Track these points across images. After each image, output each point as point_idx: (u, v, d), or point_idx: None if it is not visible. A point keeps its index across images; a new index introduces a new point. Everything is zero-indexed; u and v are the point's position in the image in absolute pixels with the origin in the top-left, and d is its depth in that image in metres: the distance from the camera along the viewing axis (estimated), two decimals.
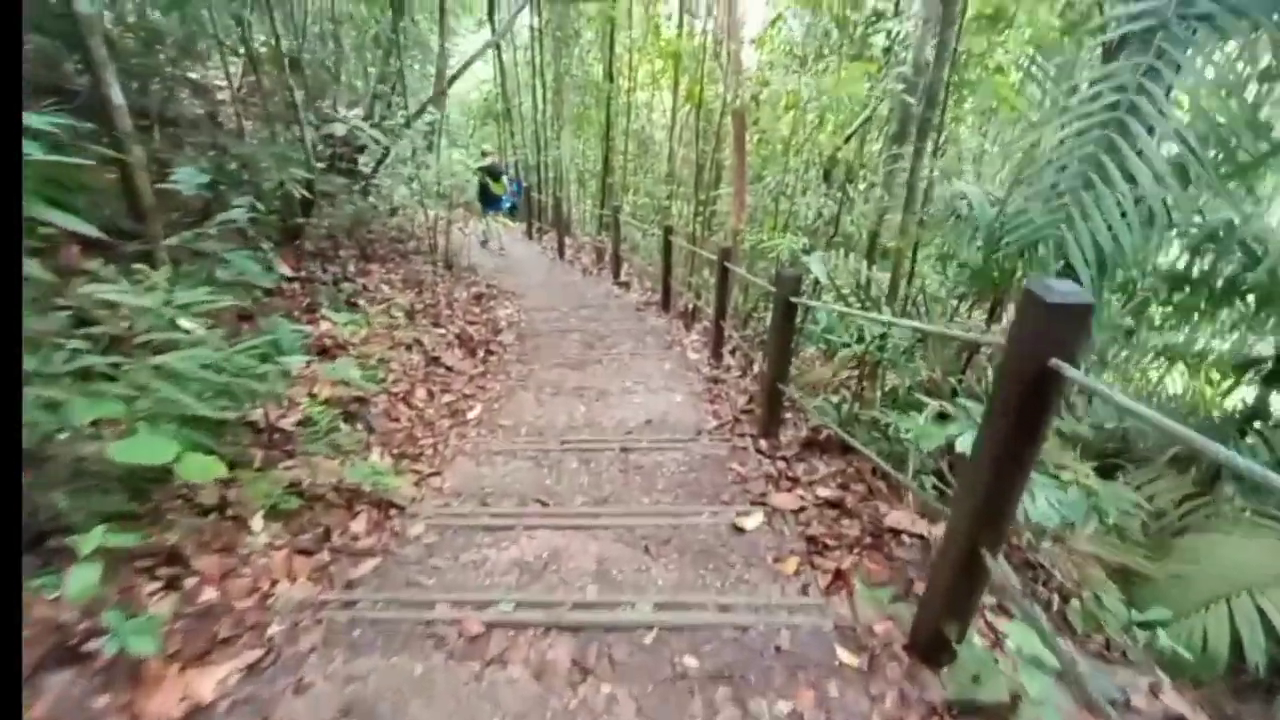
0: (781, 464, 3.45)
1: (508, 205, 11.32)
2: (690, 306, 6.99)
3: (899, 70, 6.51)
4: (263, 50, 4.57)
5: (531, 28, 12.94)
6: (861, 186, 7.06)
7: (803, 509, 3.00)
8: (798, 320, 3.54)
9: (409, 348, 4.52)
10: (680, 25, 10.49)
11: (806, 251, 3.67)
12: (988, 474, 1.50)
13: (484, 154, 10.52)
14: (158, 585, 1.83)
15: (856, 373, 3.88)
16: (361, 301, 5.07)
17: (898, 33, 7.05)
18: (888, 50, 7.13)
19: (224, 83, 5.71)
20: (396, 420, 3.58)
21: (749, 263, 8.59)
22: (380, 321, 4.86)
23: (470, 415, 3.94)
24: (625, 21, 11.99)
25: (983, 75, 6.96)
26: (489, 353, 5.22)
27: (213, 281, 2.59)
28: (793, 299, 3.34)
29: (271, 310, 4.20)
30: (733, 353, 5.46)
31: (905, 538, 2.73)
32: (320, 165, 5.25)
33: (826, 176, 7.81)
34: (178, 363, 1.79)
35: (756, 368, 4.86)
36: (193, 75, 6.76)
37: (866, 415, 3.49)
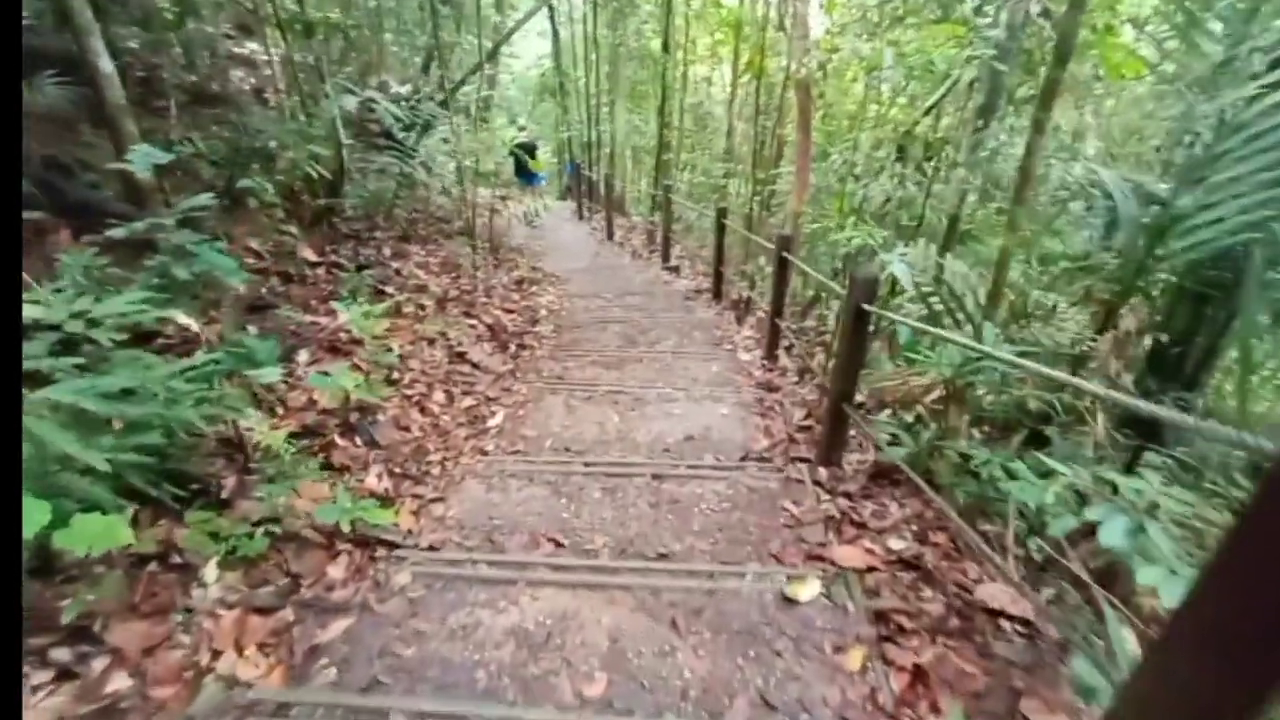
0: (844, 501, 2.86)
1: (542, 181, 11.10)
2: (744, 296, 6.35)
3: (992, 33, 5.59)
4: (284, 16, 4.19)
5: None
6: (942, 167, 6.19)
7: (871, 569, 2.42)
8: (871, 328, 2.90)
9: (432, 342, 4.12)
10: None
11: (884, 245, 3.02)
12: None
13: (520, 129, 10.15)
14: (48, 675, 1.45)
15: (941, 392, 3.22)
16: (390, 288, 4.69)
17: None
18: (978, 9, 6.17)
19: (265, 56, 5.40)
20: (406, 430, 3.17)
21: (809, 247, 7.86)
22: (408, 311, 4.48)
23: (491, 423, 3.50)
24: None
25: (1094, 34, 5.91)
26: (521, 347, 4.77)
27: (170, 281, 2.20)
28: (867, 306, 2.71)
29: (291, 299, 3.87)
30: (789, 350, 4.83)
31: (1005, 622, 2.13)
32: (349, 141, 4.87)
33: (900, 155, 6.96)
34: (64, 395, 1.39)
35: (816, 369, 4.24)
36: (240, 49, 6.53)
37: (952, 446, 2.85)
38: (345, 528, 2.11)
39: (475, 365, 4.16)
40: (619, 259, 8.97)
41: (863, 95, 8.23)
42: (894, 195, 5.91)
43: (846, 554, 2.49)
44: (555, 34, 13.86)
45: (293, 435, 2.63)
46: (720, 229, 6.39)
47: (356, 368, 3.43)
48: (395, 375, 3.55)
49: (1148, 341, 3.12)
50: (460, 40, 8.25)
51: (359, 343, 3.53)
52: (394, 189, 6.07)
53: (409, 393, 3.46)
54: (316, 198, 4.93)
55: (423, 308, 4.63)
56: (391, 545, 2.33)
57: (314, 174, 4.05)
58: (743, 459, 3.24)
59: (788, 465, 3.15)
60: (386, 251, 5.65)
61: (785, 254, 4.45)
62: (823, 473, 3.08)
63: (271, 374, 2.25)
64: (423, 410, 3.40)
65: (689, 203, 10.59)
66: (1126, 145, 5.60)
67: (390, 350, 3.82)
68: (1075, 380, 1.62)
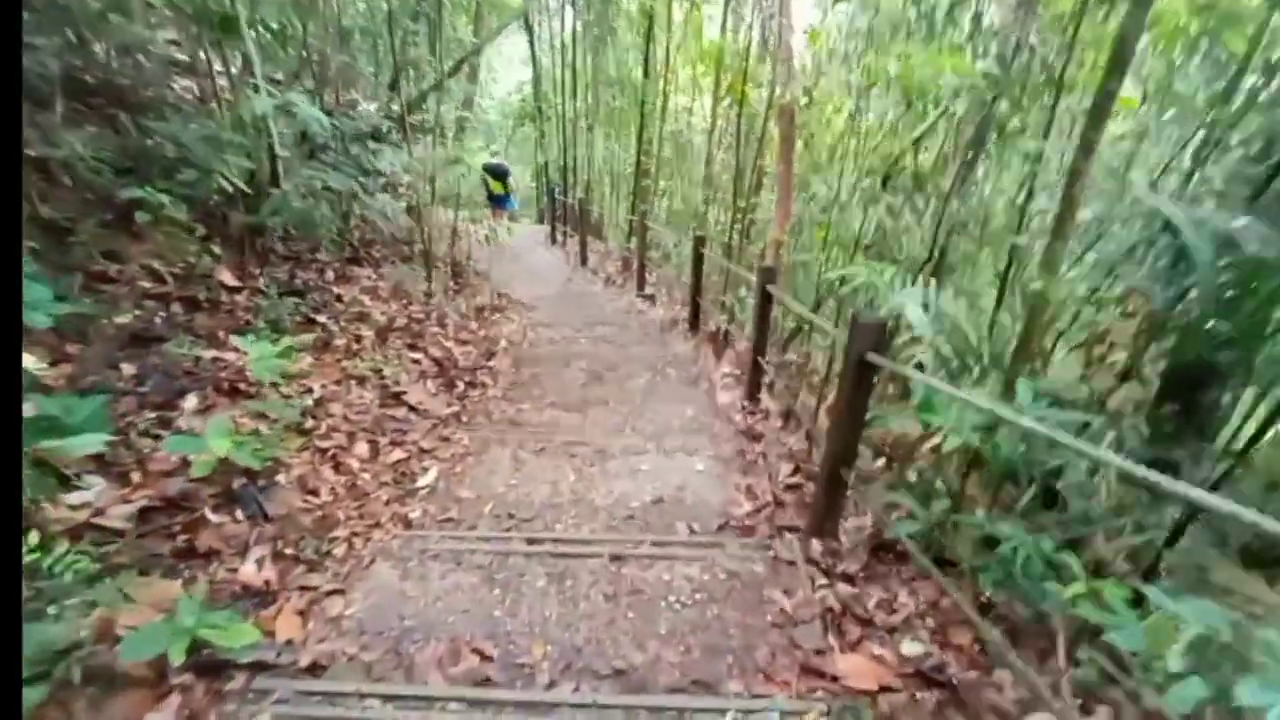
0: (844, 587, 2.33)
1: (513, 206, 10.80)
2: (722, 329, 5.87)
3: (980, 64, 5.29)
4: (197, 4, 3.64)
5: (569, 26, 12.04)
6: (931, 198, 5.84)
7: (885, 688, 1.88)
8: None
9: (362, 381, 3.53)
10: (725, 22, 9.41)
11: (886, 282, 2.56)
12: None
13: (493, 153, 9.81)
14: None
15: (932, 445, 2.73)
16: (323, 317, 4.10)
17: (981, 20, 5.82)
18: (971, 37, 5.89)
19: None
20: (313, 494, 2.57)
21: (790, 277, 7.45)
22: (340, 343, 3.89)
23: (422, 482, 2.91)
24: (665, 23, 10.98)
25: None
26: (471, 385, 4.20)
27: None
28: (872, 357, 2.22)
29: (194, 330, 3.26)
30: (772, 389, 4.33)
31: None
32: (285, 153, 4.31)
33: (885, 184, 6.63)
34: None
35: (801, 412, 3.73)
36: (185, 55, 5.95)
37: (971, 521, 2.34)
38: (176, 658, 1.50)
39: (413, 408, 3.57)
40: (591, 286, 8.47)
41: (845, 126, 7.97)
42: (881, 226, 5.53)
43: (853, 667, 1.96)
44: (535, 60, 13.60)
45: (146, 511, 2.03)
46: (698, 257, 5.93)
47: (261, 416, 2.84)
48: (310, 423, 2.96)
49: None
50: (433, 60, 7.81)
51: (257, 387, 2.93)
52: (343, 207, 5.51)
53: (324, 445, 2.86)
54: (251, 214, 4.35)
55: (359, 339, 4.04)
56: (257, 667, 1.73)
57: (228, 187, 3.47)
58: (721, 528, 2.70)
59: (775, 537, 2.61)
60: (329, 275, 5.05)
61: (769, 287, 3.97)
62: (816, 546, 2.55)
63: (87, 444, 1.66)
64: (338, 467, 2.79)
65: (667, 229, 10.19)
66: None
67: (309, 392, 3.23)
68: (1125, 465, 1.15)
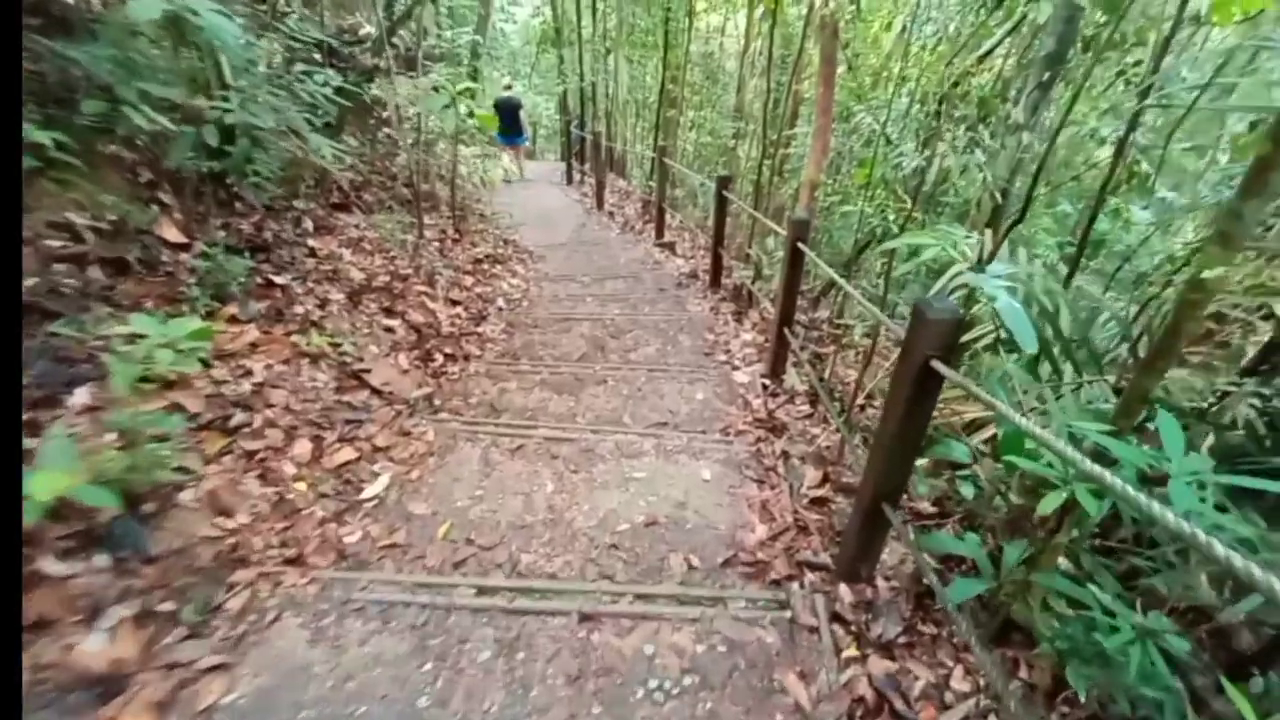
0: (882, 662, 1.76)
1: (525, 141, 10.07)
2: (746, 286, 5.15)
3: None
4: None
5: None
6: (999, 130, 4.88)
7: None
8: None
9: (316, 360, 2.99)
10: None
11: (950, 249, 1.84)
12: None
13: (506, 87, 8.95)
14: None
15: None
16: (286, 279, 3.54)
17: None
18: None
19: None
20: (226, 516, 2.08)
21: (824, 223, 6.61)
22: (300, 311, 3.34)
23: (369, 493, 2.40)
24: None
25: None
26: (451, 358, 3.64)
27: None
28: (939, 365, 1.55)
29: (113, 300, 2.74)
30: (799, 366, 3.67)
31: None
32: (241, 85, 3.64)
33: (940, 113, 5.64)
34: None
35: (828, 392, 3.09)
36: None
37: (1060, 588, 1.72)
38: None
39: (376, 390, 3.04)
40: (606, 232, 7.71)
41: (895, 44, 6.87)
42: (937, 165, 4.64)
43: None
44: None
45: None
46: (721, 202, 5.15)
47: (179, 409, 2.34)
48: (239, 417, 2.44)
49: None
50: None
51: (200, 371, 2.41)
52: (321, 147, 4.85)
53: (252, 446, 2.36)
54: (216, 158, 3.74)
55: (324, 305, 3.49)
56: None
57: (142, 122, 2.84)
58: (727, 564, 2.14)
59: (794, 580, 2.04)
60: (307, 225, 4.45)
61: (800, 243, 3.25)
62: (845, 596, 1.98)
63: None
64: (266, 476, 2.29)
65: (691, 169, 9.25)
66: None
67: (247, 375, 2.71)
68: None
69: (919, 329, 1.60)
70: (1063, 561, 1.90)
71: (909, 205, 3.63)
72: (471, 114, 4.66)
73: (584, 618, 1.82)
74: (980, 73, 5.60)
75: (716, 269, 5.37)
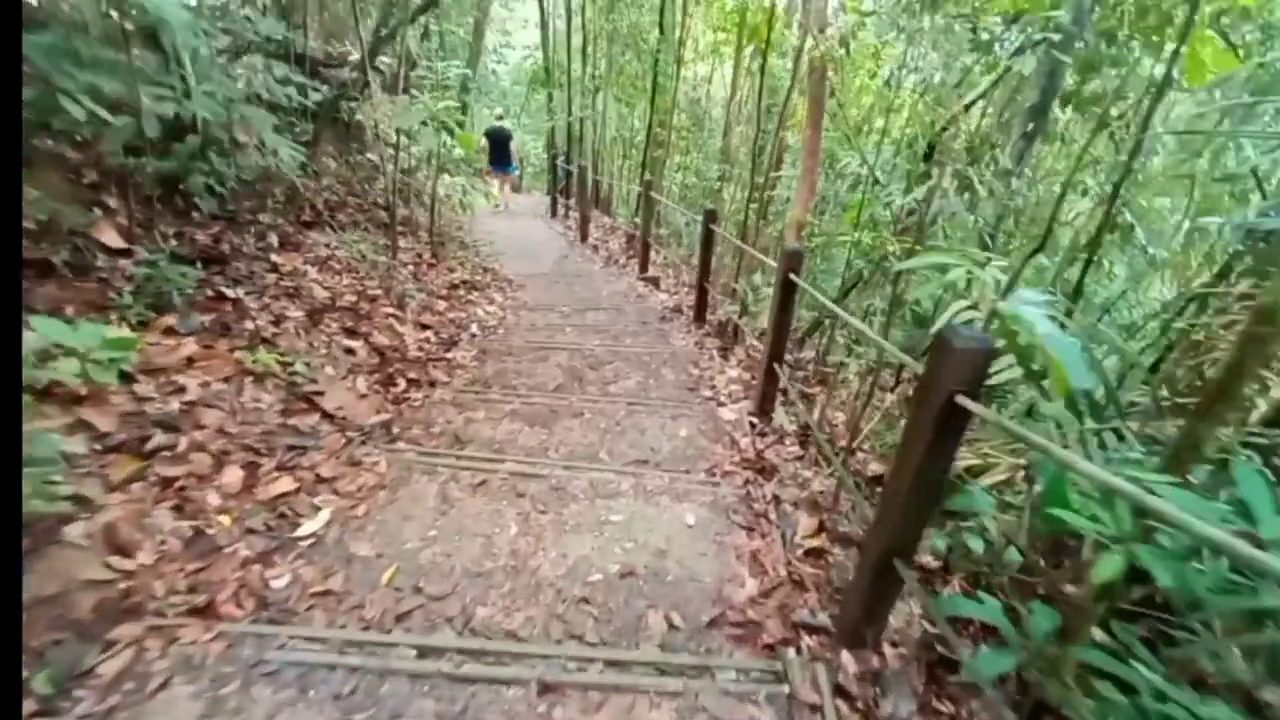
0: None
1: (515, 170, 10.09)
2: (732, 322, 4.98)
3: (1057, 14, 4.30)
4: None
5: None
6: (986, 174, 4.87)
7: None
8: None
9: (262, 379, 2.69)
10: None
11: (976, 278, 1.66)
12: None
13: (498, 117, 8.98)
14: None
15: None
16: (239, 292, 3.26)
17: None
18: None
19: None
20: (123, 555, 1.74)
21: (810, 262, 6.54)
22: (250, 326, 3.05)
23: (305, 529, 2.08)
24: None
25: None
26: (415, 384, 3.35)
27: None
28: (964, 400, 1.34)
29: (32, 307, 2.43)
30: (787, 402, 3.46)
31: None
32: (209, 91, 3.42)
33: (928, 157, 5.65)
34: None
35: (818, 430, 2.86)
36: None
37: (1100, 662, 1.47)
38: None
39: (328, 415, 2.73)
40: (589, 264, 7.55)
41: (880, 91, 6.99)
42: (936, 202, 4.58)
43: None
44: (544, 22, 12.53)
45: None
46: (708, 236, 5.01)
47: (86, 428, 2.02)
48: (159, 439, 2.13)
49: None
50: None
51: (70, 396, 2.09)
52: (298, 161, 4.64)
53: (170, 472, 2.03)
54: (165, 158, 3.49)
55: (279, 321, 3.20)
56: None
57: (79, 114, 2.58)
58: (713, 624, 1.86)
59: (789, 648, 1.76)
60: (272, 240, 4.19)
61: (793, 275, 3.08)
62: (849, 665, 1.71)
63: None
64: (183, 507, 1.97)
65: (678, 207, 9.22)
66: None
67: (178, 392, 2.40)
68: None
69: (944, 361, 1.39)
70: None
71: (911, 240, 3.50)
72: (451, 133, 4.50)
73: (545, 688, 1.52)
74: (968, 119, 5.65)
75: (701, 304, 5.20)
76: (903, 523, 1.59)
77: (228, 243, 3.76)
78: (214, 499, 2.06)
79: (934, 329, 2.70)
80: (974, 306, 1.80)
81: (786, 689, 1.58)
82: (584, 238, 8.78)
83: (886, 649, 1.79)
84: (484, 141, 9.79)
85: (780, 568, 2.14)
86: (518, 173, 12.62)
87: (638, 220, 8.50)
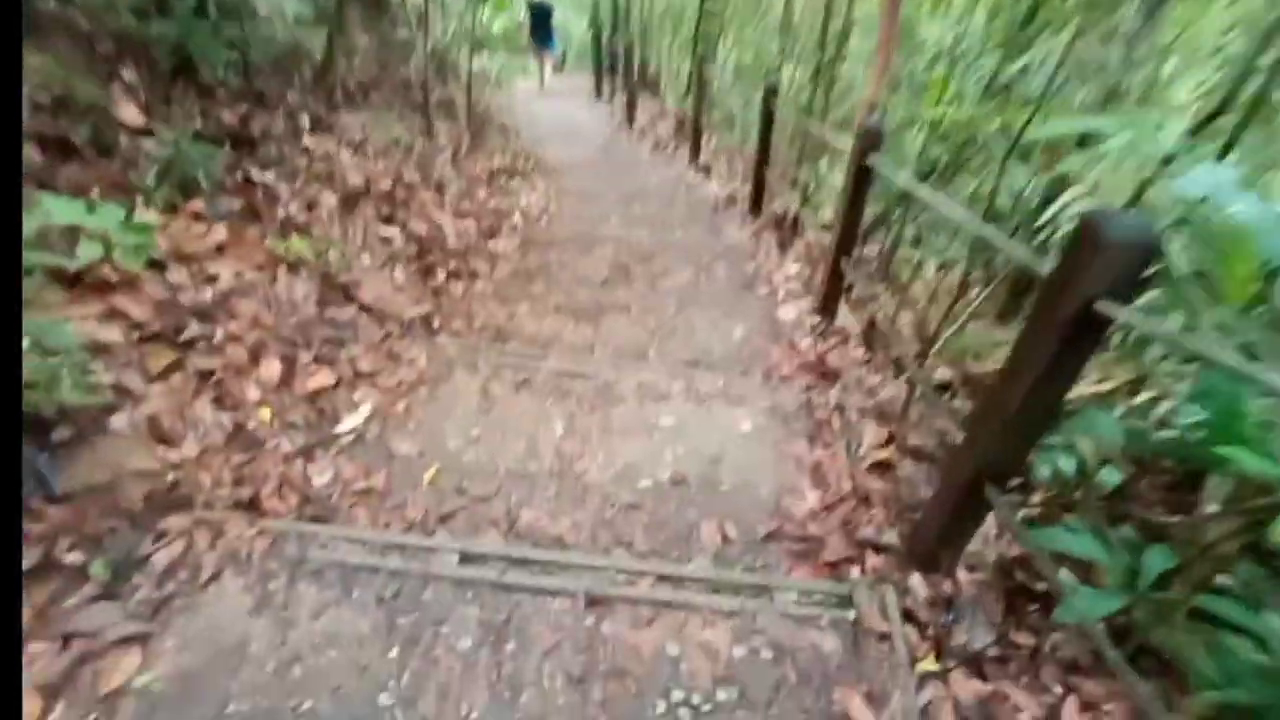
0: (970, 682, 1.37)
1: (556, 47, 9.34)
2: (790, 212, 4.55)
3: None
4: None
5: None
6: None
7: None
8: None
9: (295, 268, 2.56)
10: None
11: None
12: None
13: None
14: None
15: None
16: (269, 177, 3.07)
17: None
18: None
19: None
20: (168, 444, 1.70)
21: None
22: (281, 214, 2.89)
23: (345, 425, 2.01)
24: None
25: None
26: (455, 275, 3.18)
27: None
28: (1105, 306, 1.06)
29: (53, 185, 2.30)
30: (856, 303, 3.17)
31: None
32: None
33: (1028, 21, 4.80)
34: None
35: (892, 333, 2.61)
36: None
37: (1209, 599, 1.28)
38: None
39: (365, 307, 2.61)
40: (636, 151, 7.02)
41: None
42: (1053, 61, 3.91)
43: None
44: None
45: None
46: (767, 116, 4.48)
47: (122, 317, 1.94)
48: (195, 329, 2.04)
49: None
50: None
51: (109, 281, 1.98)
52: (327, 34, 4.27)
53: (207, 364, 1.96)
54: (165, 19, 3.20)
55: (311, 208, 3.03)
56: None
57: None
58: (770, 537, 1.73)
59: (853, 567, 1.63)
60: (303, 121, 3.93)
61: (869, 160, 2.67)
62: (919, 589, 1.58)
63: None
64: (222, 400, 1.91)
65: (732, 91, 8.36)
66: None
67: (211, 281, 2.30)
68: None
69: (1088, 257, 1.09)
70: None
71: (1029, 109, 2.98)
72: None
73: (592, 601, 1.43)
74: None
75: (759, 193, 4.76)
76: (1002, 444, 1.37)
77: (257, 124, 3.52)
78: (253, 392, 1.99)
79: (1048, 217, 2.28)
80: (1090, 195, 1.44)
81: (852, 614, 1.46)
82: (630, 122, 8.13)
83: (961, 574, 1.64)
84: (523, 16, 9.02)
85: (844, 480, 1.98)
86: (560, 51, 11.68)
87: (688, 103, 7.77)
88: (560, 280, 3.30)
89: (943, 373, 2.79)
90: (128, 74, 3.09)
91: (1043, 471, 1.70)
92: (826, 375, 2.60)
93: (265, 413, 1.95)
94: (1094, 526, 1.54)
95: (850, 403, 2.38)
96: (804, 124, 4.58)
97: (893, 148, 6.56)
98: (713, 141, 7.02)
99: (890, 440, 2.19)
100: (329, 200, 3.22)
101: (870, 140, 2.65)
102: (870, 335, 2.98)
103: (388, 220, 3.33)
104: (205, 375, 1.96)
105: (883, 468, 2.08)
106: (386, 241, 3.14)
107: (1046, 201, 2.89)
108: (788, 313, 3.05)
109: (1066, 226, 2.88)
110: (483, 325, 2.76)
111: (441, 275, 3.10)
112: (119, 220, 1.83)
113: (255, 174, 3.09)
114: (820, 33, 6.57)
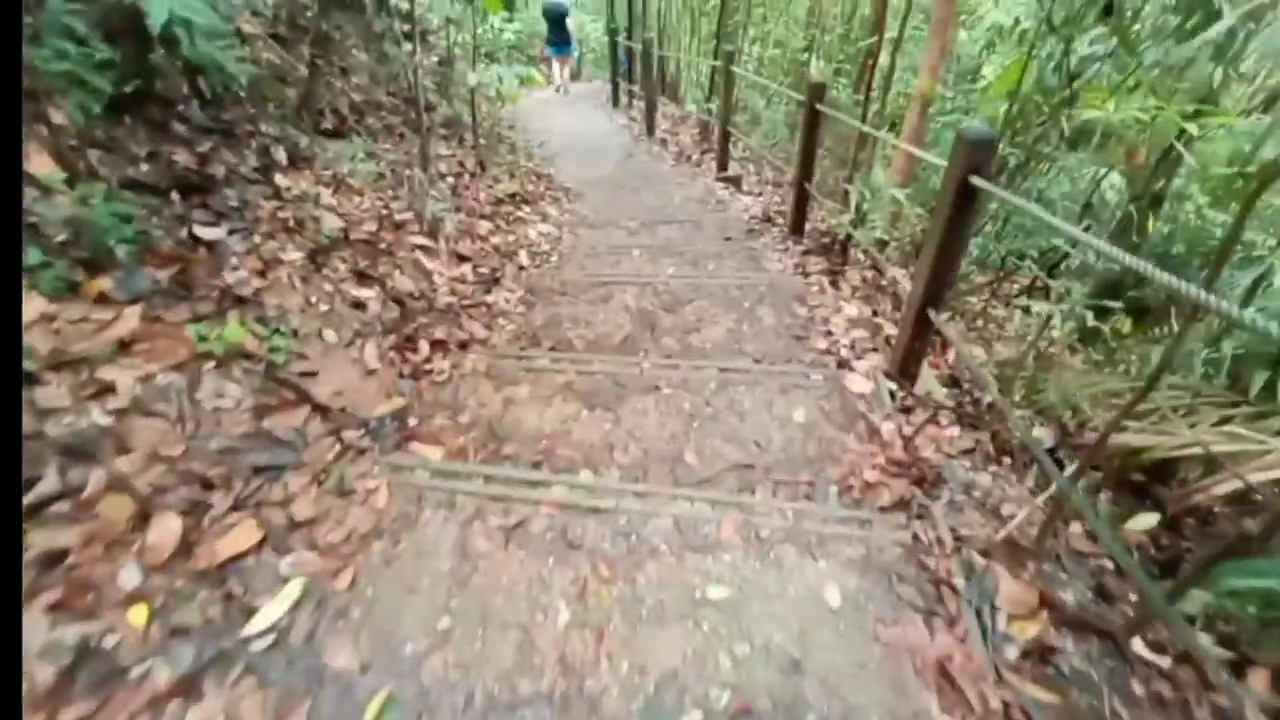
0: None
1: (573, 50, 8.83)
2: (838, 236, 3.79)
3: None
4: None
5: None
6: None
7: None
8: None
9: (225, 362, 1.92)
10: None
11: None
12: None
13: None
14: None
15: None
16: (220, 232, 2.46)
17: None
18: None
19: None
20: None
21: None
22: (216, 285, 2.26)
23: (255, 626, 1.35)
24: None
25: None
26: (440, 345, 2.51)
27: None
28: None
29: None
30: (953, 364, 2.41)
31: None
32: None
33: (1108, 10, 3.90)
34: None
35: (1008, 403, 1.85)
36: None
37: None
38: None
39: (320, 406, 1.96)
40: (657, 164, 6.29)
41: None
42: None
43: None
44: None
45: None
46: (811, 118, 3.72)
47: None
48: (52, 486, 1.41)
49: None
50: None
51: None
52: (309, 54, 3.66)
53: (60, 542, 1.33)
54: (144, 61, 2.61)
55: (266, 269, 2.40)
56: None
57: None
58: None
59: None
60: (279, 155, 3.32)
61: (974, 178, 1.90)
62: None
63: None
64: (71, 602, 1.27)
65: (754, 89, 7.56)
66: None
67: (105, 395, 1.67)
68: None
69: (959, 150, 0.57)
70: None
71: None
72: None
73: None
74: None
75: (801, 210, 4.00)
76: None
77: (221, 163, 2.92)
78: (129, 578, 1.36)
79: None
80: None
81: None
82: (650, 130, 7.39)
83: None
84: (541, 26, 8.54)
85: (988, 692, 1.26)
86: (577, 54, 11.09)
87: (711, 108, 7.00)
88: (572, 343, 2.62)
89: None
90: (57, 115, 2.50)
91: None
92: (924, 480, 1.86)
93: (138, 615, 1.31)
94: None
95: (966, 528, 1.65)
96: (848, 128, 3.81)
97: (935, 145, 5.66)
98: (739, 146, 6.25)
99: (1043, 604, 1.46)
100: (293, 256, 2.60)
101: (975, 155, 1.89)
102: (959, 406, 2.24)
103: (363, 277, 2.69)
104: (52, 561, 1.33)
105: (1041, 658, 1.35)
106: (359, 307, 2.50)
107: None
108: (859, 383, 2.31)
109: None
110: (472, 420, 2.09)
111: (425, 348, 2.44)
112: None
113: (202, 230, 2.47)
114: (848, 20, 5.72)
